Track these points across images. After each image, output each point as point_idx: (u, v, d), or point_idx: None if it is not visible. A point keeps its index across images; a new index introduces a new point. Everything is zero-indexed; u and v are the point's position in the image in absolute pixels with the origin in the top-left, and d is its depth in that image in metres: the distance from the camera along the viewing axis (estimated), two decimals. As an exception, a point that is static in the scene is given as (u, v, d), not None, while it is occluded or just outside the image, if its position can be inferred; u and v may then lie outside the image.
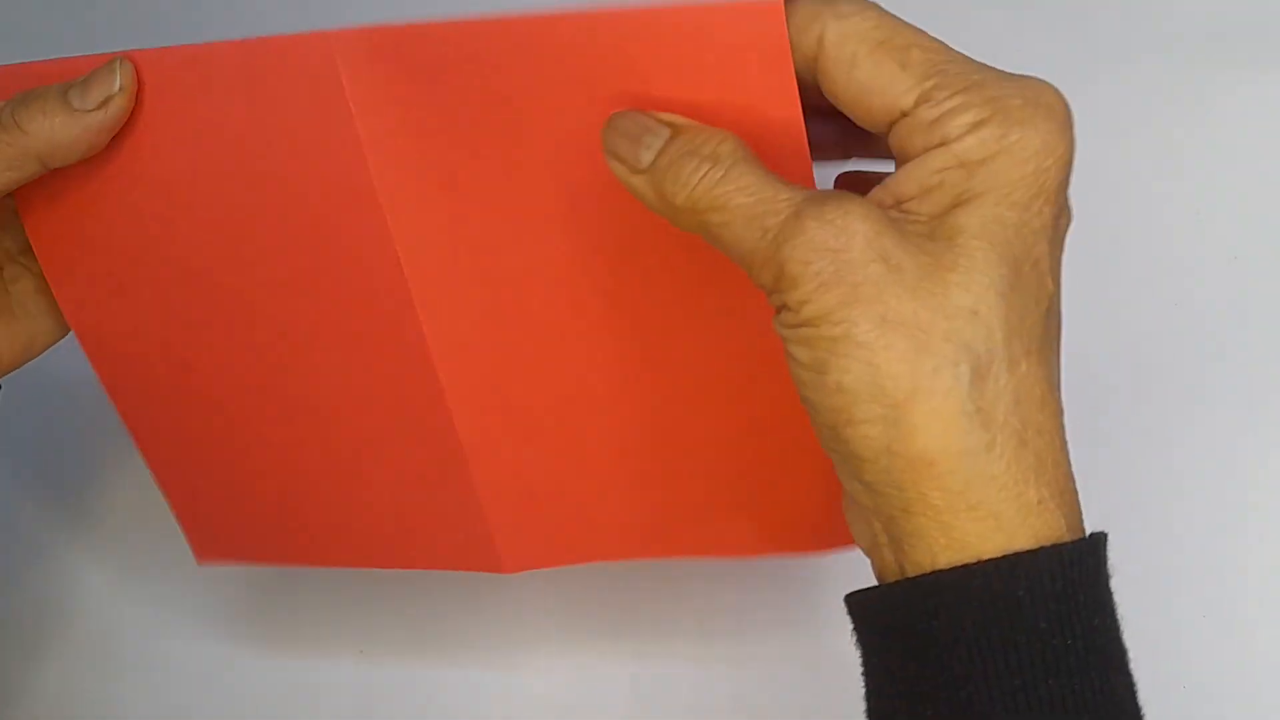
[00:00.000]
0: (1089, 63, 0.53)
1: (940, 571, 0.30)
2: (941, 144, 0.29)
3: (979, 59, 0.51)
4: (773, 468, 0.41)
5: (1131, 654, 0.45)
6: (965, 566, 0.29)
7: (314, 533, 0.47)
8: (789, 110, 0.32)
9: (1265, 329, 0.48)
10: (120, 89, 0.37)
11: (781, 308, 0.30)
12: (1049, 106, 0.30)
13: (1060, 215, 0.31)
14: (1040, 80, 0.30)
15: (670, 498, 0.43)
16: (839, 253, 0.29)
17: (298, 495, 0.46)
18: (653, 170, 0.32)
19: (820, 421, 0.31)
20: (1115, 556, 0.46)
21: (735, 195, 0.30)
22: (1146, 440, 0.48)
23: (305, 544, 0.47)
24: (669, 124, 0.32)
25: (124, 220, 0.40)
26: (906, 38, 0.30)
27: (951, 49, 0.31)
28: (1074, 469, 0.47)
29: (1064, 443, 0.32)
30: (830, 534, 0.41)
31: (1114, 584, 0.46)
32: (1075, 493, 0.32)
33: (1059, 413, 0.31)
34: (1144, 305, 0.49)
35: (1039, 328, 0.30)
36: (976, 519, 0.29)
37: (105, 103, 0.37)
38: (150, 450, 0.47)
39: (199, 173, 0.38)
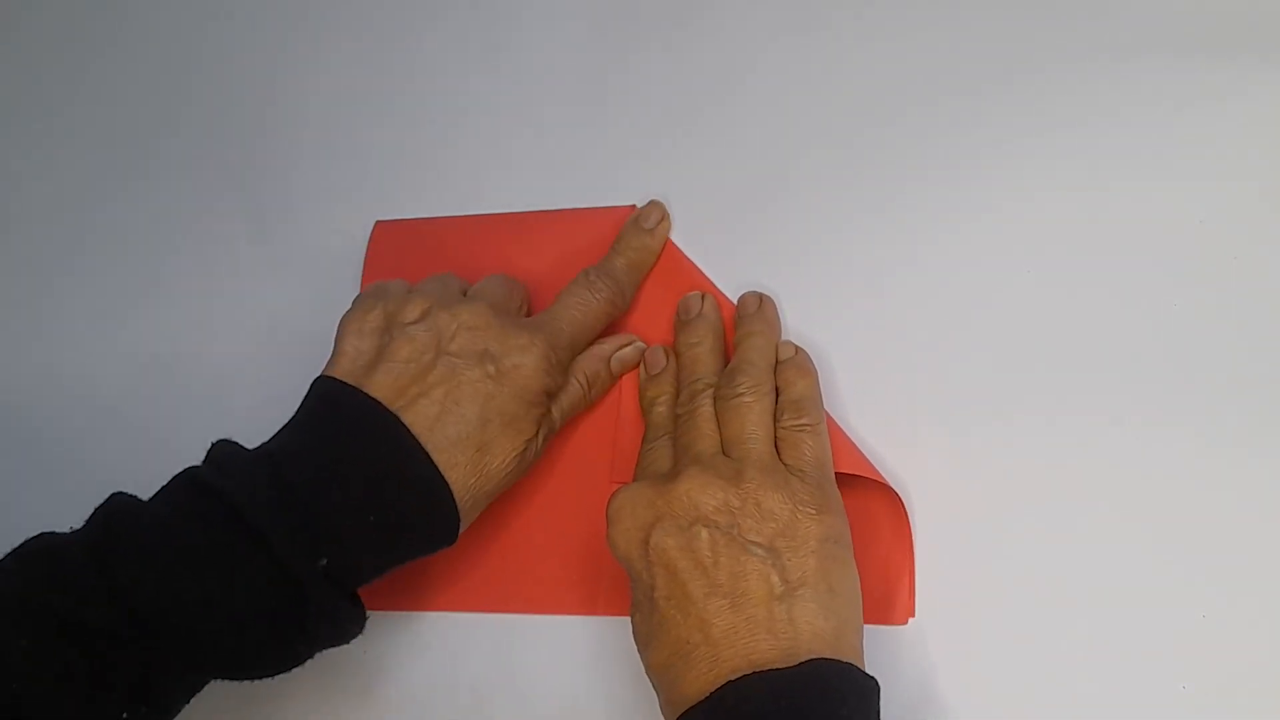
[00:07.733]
0: (1090, 62, 0.53)
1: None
2: None
3: (982, 58, 0.52)
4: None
5: (1130, 654, 0.45)
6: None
7: (456, 581, 0.54)
8: None
9: (1265, 330, 0.48)
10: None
11: None
12: None
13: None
14: None
15: None
16: None
17: (467, 549, 0.53)
18: None
19: None
20: (1116, 557, 0.46)
21: None
22: (1146, 439, 0.48)
23: (448, 591, 0.54)
24: None
25: None
26: None
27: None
28: (1073, 468, 0.47)
29: None
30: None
31: (1116, 584, 0.46)
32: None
33: None
34: (1144, 305, 0.49)
35: None
36: None
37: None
38: None
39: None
